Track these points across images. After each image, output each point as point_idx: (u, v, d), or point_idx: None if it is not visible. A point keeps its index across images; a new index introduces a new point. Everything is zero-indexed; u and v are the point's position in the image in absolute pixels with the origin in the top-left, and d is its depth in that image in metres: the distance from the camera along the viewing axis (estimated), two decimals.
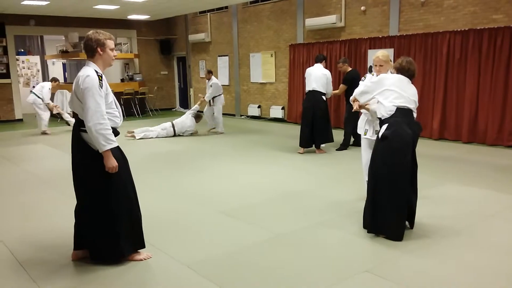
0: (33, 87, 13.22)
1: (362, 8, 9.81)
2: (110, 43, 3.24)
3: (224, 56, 13.89)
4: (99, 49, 3.19)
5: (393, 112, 3.73)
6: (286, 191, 5.24)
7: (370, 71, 9.70)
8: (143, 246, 3.42)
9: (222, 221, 4.27)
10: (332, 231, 3.95)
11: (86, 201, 3.25)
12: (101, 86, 3.10)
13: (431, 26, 8.72)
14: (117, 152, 3.21)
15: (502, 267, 3.21)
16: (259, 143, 8.69)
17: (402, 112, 3.73)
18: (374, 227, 3.78)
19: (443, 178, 5.76)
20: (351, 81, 7.37)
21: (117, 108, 3.30)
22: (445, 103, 8.59)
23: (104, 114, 3.07)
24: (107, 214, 3.20)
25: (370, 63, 9.70)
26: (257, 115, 12.83)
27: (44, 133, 10.41)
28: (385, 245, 3.60)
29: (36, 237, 3.92)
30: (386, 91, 3.78)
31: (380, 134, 3.77)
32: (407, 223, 3.91)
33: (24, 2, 10.96)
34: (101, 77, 3.15)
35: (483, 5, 7.98)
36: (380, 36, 9.46)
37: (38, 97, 10.13)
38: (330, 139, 7.58)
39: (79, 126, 3.18)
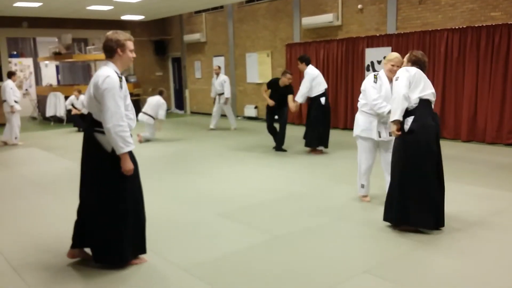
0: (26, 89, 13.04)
1: (359, 6, 9.73)
2: (130, 44, 3.24)
3: (219, 56, 13.78)
4: (119, 50, 3.16)
5: (417, 104, 3.72)
6: (283, 193, 5.16)
7: (368, 70, 9.66)
8: (144, 252, 3.37)
9: (220, 224, 4.20)
10: (330, 233, 3.90)
11: (95, 202, 3.17)
12: (121, 87, 3.06)
13: (429, 24, 8.65)
14: (131, 155, 3.16)
15: (508, 269, 3.12)
16: (257, 145, 8.59)
17: (425, 104, 3.73)
18: (404, 220, 3.77)
19: (444, 177, 5.65)
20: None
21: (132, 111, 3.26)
22: (443, 101, 8.52)
23: (123, 116, 3.03)
24: (116, 216, 3.15)
25: (367, 62, 9.63)
26: (254, 116, 12.72)
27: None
28: (384, 246, 3.57)
29: (31, 242, 3.83)
30: (415, 83, 3.72)
31: (406, 127, 3.73)
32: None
33: (17, 4, 10.80)
34: (121, 78, 3.11)
35: (481, 2, 7.92)
36: (378, 35, 9.39)
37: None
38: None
39: (94, 127, 3.11)
